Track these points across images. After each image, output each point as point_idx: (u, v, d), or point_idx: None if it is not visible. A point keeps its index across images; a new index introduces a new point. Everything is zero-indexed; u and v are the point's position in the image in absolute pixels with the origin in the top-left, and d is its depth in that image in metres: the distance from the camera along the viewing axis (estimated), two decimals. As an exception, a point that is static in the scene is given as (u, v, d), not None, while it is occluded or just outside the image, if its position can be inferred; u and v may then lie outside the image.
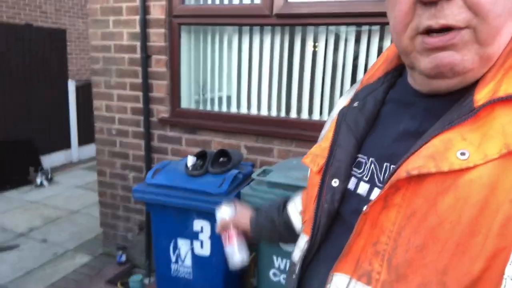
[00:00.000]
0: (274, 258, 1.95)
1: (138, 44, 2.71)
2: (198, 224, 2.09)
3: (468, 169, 0.47)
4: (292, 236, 0.89)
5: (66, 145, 6.12)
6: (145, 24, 2.64)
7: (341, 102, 0.80)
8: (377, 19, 2.18)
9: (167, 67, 2.71)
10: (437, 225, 0.48)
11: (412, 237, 0.50)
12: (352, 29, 2.34)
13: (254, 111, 2.66)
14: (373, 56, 2.31)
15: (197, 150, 2.70)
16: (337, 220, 0.66)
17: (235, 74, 2.70)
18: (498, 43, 0.51)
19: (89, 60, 3.03)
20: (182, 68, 2.75)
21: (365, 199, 0.61)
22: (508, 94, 0.48)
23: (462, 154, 0.48)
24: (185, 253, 2.17)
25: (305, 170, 1.94)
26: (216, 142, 2.67)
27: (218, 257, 2.09)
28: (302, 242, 0.72)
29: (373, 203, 0.55)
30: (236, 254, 1.05)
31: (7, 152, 5.09)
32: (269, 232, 1.02)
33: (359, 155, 0.66)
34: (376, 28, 2.27)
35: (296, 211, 0.95)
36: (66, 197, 4.68)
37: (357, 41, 2.34)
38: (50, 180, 5.14)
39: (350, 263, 0.57)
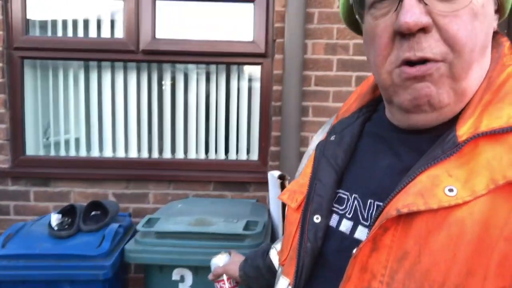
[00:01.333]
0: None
1: (-38, 80, 2.18)
2: (73, 296, 1.73)
3: (457, 206, 0.46)
4: None
5: None
6: (-27, 56, 2.15)
7: (317, 137, 0.79)
8: (247, 59, 2.27)
9: (5, 107, 2.24)
10: (432, 267, 0.46)
11: (407, 280, 0.47)
12: (223, 68, 2.38)
13: (121, 154, 2.41)
14: (244, 94, 2.38)
15: (52, 205, 2.29)
16: (320, 260, 0.62)
17: (95, 114, 2.41)
18: (470, 78, 0.53)
19: None
20: (27, 108, 2.33)
21: (349, 237, 0.59)
22: (491, 128, 0.48)
23: (450, 190, 0.47)
24: (53, 335, 1.76)
25: (196, 214, 1.84)
26: (76, 193, 2.31)
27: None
28: (283, 286, 0.67)
29: (361, 246, 0.52)
30: None
31: None
32: (255, 279, 1.04)
33: (340, 191, 0.64)
34: (246, 67, 2.36)
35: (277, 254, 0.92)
36: None
37: (228, 79, 2.38)
38: None
39: None
